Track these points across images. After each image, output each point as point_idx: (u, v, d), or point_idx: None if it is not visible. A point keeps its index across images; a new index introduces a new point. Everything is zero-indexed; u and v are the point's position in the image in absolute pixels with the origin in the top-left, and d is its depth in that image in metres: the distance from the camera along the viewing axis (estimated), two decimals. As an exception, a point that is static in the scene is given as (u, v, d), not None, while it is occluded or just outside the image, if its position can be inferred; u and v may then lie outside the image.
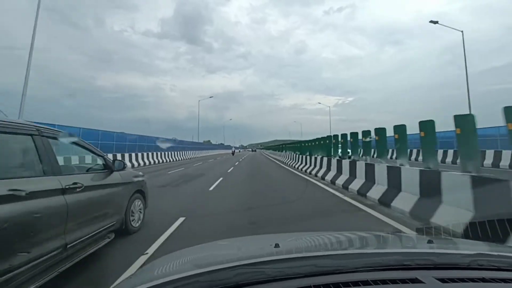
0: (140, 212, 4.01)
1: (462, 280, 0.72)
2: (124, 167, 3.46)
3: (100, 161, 3.29)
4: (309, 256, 0.96)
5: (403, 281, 0.72)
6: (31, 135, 2.25)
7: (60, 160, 2.54)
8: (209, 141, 73.98)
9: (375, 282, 0.72)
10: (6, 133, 2.04)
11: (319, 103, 72.82)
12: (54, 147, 2.44)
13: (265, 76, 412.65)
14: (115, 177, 3.34)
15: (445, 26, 20.41)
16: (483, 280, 0.73)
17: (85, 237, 2.59)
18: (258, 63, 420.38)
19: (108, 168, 3.27)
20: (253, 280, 0.73)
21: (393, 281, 0.72)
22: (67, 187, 2.38)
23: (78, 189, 2.53)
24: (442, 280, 0.72)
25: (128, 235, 3.61)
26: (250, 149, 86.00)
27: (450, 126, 4.50)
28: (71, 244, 2.37)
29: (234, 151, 47.42)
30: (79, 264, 2.51)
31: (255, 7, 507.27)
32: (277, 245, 1.03)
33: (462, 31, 20.33)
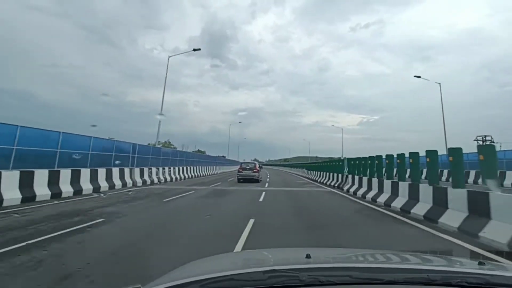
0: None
1: None
2: None
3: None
4: (343, 267, 0.97)
5: None
6: None
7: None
8: (204, 152, 65.51)
9: None
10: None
11: (333, 125, 75.61)
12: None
13: (287, 93, 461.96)
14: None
15: (426, 79, 27.16)
16: None
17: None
18: (281, 80, 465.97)
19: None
20: (287, 284, 0.75)
21: None
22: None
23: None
24: None
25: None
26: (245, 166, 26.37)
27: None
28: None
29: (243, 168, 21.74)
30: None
31: (280, 25, 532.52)
32: (308, 256, 1.03)
33: (439, 83, 26.73)
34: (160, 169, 18.12)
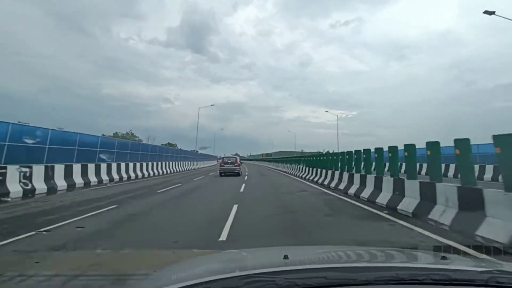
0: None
1: None
2: None
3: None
4: (319, 268, 0.96)
5: None
6: None
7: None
8: (175, 145, 58.21)
9: None
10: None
11: (326, 111, 75.86)
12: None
13: (269, 88, 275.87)
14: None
15: (330, 112, 35.63)
16: None
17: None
18: (263, 74, 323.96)
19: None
20: None
21: None
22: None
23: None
24: None
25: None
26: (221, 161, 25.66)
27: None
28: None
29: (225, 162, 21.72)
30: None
31: (261, 19, 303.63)
32: (286, 257, 1.04)
33: (337, 116, 30.61)
34: (103, 165, 14.21)
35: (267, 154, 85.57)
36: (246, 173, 22.11)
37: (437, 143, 5.87)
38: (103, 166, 14.20)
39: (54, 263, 1.50)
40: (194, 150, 49.21)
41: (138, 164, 18.33)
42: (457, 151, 5.00)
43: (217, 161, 61.99)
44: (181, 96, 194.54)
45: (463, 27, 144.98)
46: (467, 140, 4.91)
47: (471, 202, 4.49)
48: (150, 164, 20.28)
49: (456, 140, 5.02)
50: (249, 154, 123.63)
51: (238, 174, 19.22)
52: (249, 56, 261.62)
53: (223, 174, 19.20)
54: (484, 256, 3.06)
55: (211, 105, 40.66)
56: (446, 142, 6.04)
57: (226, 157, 21.93)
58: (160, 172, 21.82)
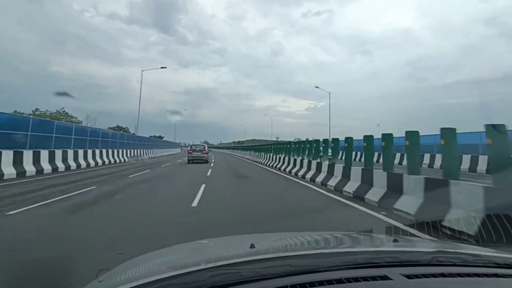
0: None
1: (425, 275, 0.81)
2: None
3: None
4: (284, 256, 1.01)
5: (374, 278, 0.79)
6: None
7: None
8: (126, 129, 48.71)
9: (348, 280, 0.77)
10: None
11: (317, 87, 39.86)
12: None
13: (240, 75, 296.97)
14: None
15: (321, 89, 37.48)
16: (442, 275, 0.83)
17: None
18: (234, 61, 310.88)
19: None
20: (229, 282, 0.75)
21: (365, 279, 0.78)
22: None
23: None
24: (408, 277, 0.80)
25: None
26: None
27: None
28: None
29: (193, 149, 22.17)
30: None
31: (233, 2, 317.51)
32: (252, 246, 1.07)
33: (329, 93, 33.06)
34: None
35: (239, 142, 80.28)
36: (213, 161, 22.37)
37: (390, 135, 6.80)
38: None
39: None
40: (158, 136, 45.81)
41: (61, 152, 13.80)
42: (407, 143, 5.79)
43: (181, 149, 59.12)
44: (146, 79, 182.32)
45: (421, 27, 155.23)
46: (417, 132, 5.69)
47: (395, 185, 5.81)
48: (81, 152, 15.86)
49: (407, 133, 5.75)
50: (219, 142, 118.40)
51: (206, 161, 20.05)
52: (220, 40, 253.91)
53: (191, 161, 19.69)
54: (426, 236, 3.83)
55: (162, 67, 34.17)
56: (400, 133, 6.65)
57: (194, 145, 22.41)
58: (100, 162, 17.78)
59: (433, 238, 3.73)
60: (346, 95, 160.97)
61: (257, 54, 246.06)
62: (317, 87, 35.78)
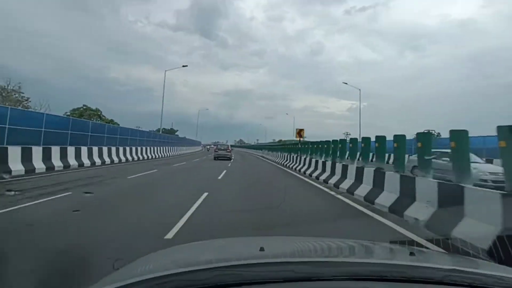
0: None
1: None
2: None
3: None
4: (289, 261, 1.01)
5: None
6: None
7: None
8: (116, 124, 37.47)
9: None
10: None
11: (345, 83, 38.29)
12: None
13: (278, 76, 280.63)
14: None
15: (351, 86, 34.70)
16: None
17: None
18: (272, 62, 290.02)
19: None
20: (231, 282, 0.77)
21: None
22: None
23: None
24: None
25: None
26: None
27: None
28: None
29: (218, 148, 26.58)
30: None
31: (273, 4, 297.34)
32: (262, 249, 1.07)
33: (359, 89, 32.09)
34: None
35: (274, 141, 76.89)
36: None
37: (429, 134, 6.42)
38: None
39: None
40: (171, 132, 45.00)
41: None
42: (452, 144, 4.62)
43: (202, 147, 63.07)
44: (189, 82, 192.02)
45: (487, 17, 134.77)
46: (465, 132, 4.56)
47: (407, 189, 5.36)
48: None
49: (452, 132, 4.60)
50: (255, 141, 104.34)
51: (229, 159, 23.81)
52: (259, 42, 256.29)
53: (216, 158, 23.81)
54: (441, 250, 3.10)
55: (183, 66, 33.79)
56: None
57: (219, 144, 29.59)
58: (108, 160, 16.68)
59: (445, 251, 3.25)
60: (391, 94, 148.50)
61: (296, 55, 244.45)
62: (345, 83, 34.45)
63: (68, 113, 36.58)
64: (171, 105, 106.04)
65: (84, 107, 41.17)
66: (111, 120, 41.72)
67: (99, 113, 41.68)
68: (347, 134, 46.50)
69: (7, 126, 10.41)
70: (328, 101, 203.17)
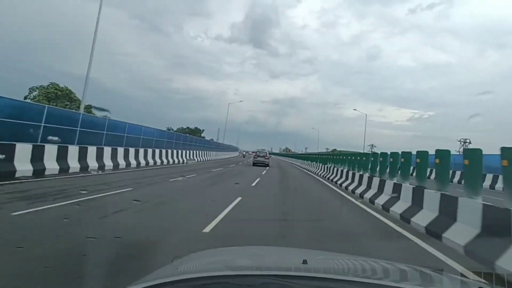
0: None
1: None
2: None
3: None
4: (333, 278, 1.01)
5: None
6: None
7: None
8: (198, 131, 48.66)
9: None
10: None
11: (354, 109, 62.52)
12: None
13: (330, 83, 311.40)
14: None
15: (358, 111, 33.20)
16: None
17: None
18: (324, 69, 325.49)
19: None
20: None
21: None
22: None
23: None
24: None
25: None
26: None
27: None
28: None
29: (257, 155, 27.43)
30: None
31: (326, 9, 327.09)
32: (305, 262, 1.08)
33: (366, 114, 28.65)
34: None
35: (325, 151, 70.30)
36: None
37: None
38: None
39: None
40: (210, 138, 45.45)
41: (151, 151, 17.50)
42: (504, 162, 4.10)
43: (239, 153, 65.99)
44: (240, 91, 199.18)
45: None
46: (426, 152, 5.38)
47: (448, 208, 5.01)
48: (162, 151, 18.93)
49: (503, 150, 4.12)
50: (303, 150, 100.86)
51: (267, 165, 24.87)
52: (310, 49, 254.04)
53: (255, 164, 25.12)
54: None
55: (240, 101, 38.19)
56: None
57: (258, 151, 29.24)
58: (171, 161, 20.18)
59: (486, 282, 2.92)
60: (467, 101, 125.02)
61: (350, 60, 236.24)
62: (355, 109, 33.08)
63: (35, 93, 32.82)
64: (222, 113, 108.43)
65: (51, 85, 35.20)
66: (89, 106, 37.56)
67: (68, 92, 34.99)
68: (372, 146, 43.28)
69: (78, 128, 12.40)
70: (386, 110, 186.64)
